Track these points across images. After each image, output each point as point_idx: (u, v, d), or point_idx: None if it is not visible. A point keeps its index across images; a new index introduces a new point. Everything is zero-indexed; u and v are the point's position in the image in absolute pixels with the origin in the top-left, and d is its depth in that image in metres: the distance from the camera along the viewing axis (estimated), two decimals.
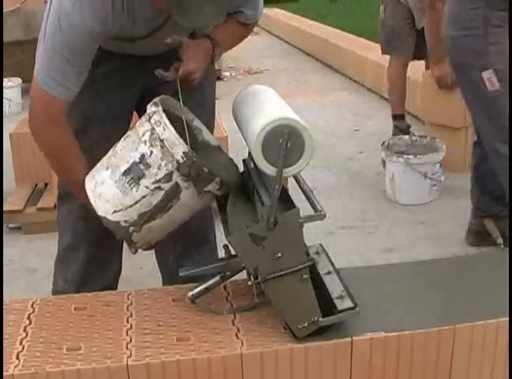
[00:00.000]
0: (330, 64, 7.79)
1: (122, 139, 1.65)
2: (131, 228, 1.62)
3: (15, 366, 1.43)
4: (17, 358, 1.46)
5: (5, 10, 5.61)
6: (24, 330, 1.58)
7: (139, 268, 2.84)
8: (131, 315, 1.63)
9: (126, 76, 1.95)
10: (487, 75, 2.54)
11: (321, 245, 1.82)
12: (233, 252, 1.59)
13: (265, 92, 1.76)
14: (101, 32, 1.67)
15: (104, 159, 1.67)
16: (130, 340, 1.52)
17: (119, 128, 1.87)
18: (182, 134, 1.56)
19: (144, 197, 1.58)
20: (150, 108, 1.59)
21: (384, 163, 3.75)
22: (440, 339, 1.54)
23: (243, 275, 1.68)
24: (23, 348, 1.50)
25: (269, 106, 1.62)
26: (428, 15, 3.77)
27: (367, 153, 4.49)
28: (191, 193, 1.58)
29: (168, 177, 1.55)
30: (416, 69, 4.68)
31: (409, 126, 4.50)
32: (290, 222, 1.46)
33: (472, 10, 2.55)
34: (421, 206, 3.61)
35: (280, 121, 1.45)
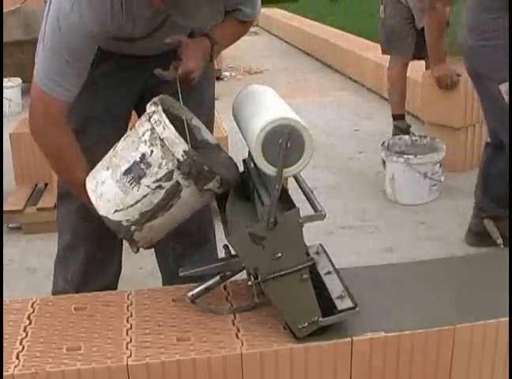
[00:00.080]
0: (330, 64, 7.78)
1: (122, 139, 1.65)
2: (133, 227, 1.62)
3: (15, 366, 1.43)
4: (17, 358, 1.46)
5: (5, 10, 5.60)
6: (24, 330, 1.58)
7: (139, 268, 2.84)
8: (131, 315, 1.63)
9: (125, 76, 1.95)
10: (504, 88, 2.49)
11: (321, 245, 1.82)
12: (233, 252, 1.59)
13: (264, 92, 1.76)
14: (100, 33, 1.67)
15: (105, 160, 1.67)
16: (130, 340, 1.52)
17: (118, 128, 1.88)
18: (181, 133, 1.57)
19: (145, 196, 1.58)
20: (150, 108, 1.59)
21: (384, 162, 3.74)
22: (440, 339, 1.54)
23: (243, 275, 1.68)
24: (23, 348, 1.50)
25: (269, 106, 1.62)
26: (428, 15, 3.76)
27: (367, 153, 4.49)
28: (192, 192, 1.58)
29: (169, 176, 1.55)
30: (416, 69, 4.69)
31: (409, 126, 4.49)
32: (290, 222, 1.46)
33: (493, 20, 2.50)
34: (421, 206, 3.60)
35: (280, 122, 1.45)
